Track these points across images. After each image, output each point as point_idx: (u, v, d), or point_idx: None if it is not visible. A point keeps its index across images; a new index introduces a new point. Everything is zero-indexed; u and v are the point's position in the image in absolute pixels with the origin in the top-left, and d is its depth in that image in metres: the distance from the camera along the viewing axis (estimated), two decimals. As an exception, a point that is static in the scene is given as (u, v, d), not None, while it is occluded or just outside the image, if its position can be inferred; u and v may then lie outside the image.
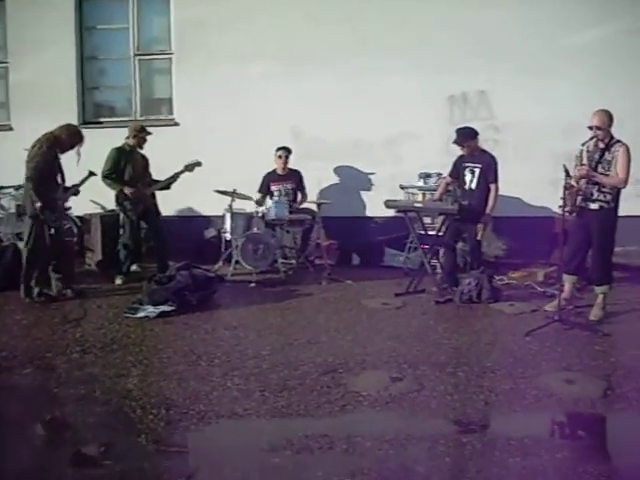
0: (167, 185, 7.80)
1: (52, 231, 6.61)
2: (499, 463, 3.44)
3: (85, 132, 7.10)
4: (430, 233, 7.57)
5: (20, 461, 3.56)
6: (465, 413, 4.10)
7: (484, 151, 7.21)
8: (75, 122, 9.22)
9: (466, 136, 7.06)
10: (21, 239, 7.78)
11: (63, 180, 6.87)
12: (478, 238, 7.03)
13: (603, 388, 4.41)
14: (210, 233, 9.11)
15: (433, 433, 3.84)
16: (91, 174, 7.09)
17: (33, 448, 3.76)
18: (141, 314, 6.19)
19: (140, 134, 7.67)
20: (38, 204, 6.48)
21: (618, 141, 5.94)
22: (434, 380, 4.60)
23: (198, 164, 7.73)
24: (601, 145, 5.94)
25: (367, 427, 3.91)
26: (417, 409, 4.16)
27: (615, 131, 6.03)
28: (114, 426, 3.97)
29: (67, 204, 7.09)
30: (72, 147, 6.74)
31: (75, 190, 6.99)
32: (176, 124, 9.32)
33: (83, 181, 7.00)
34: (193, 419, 4.00)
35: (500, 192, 7.55)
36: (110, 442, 3.73)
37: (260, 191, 8.61)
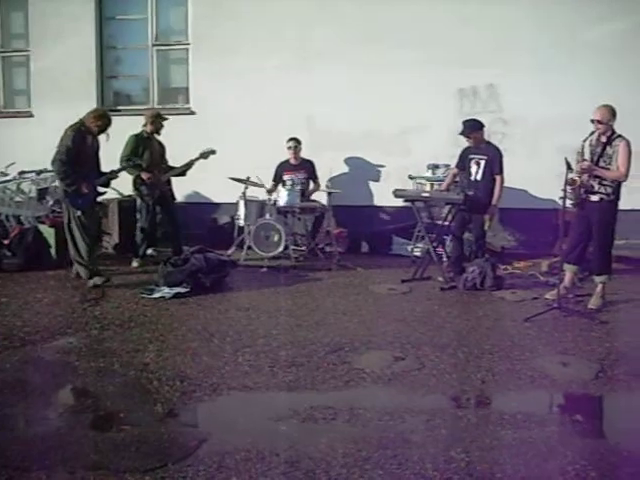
0: (182, 172, 8.06)
1: (78, 213, 6.73)
2: (491, 435, 3.68)
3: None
4: (437, 222, 7.78)
5: (46, 425, 3.84)
6: (462, 390, 4.35)
7: (489, 143, 7.41)
8: (94, 110, 9.58)
9: (472, 128, 7.27)
10: (42, 222, 8.10)
11: (98, 166, 7.02)
12: (485, 228, 7.25)
13: (596, 371, 4.63)
14: (224, 219, 9.36)
15: (431, 407, 4.08)
16: (136, 166, 7.48)
17: (58, 414, 4.04)
18: (157, 295, 6.46)
19: (157, 119, 7.93)
20: (58, 184, 6.75)
21: (619, 135, 6.13)
22: (435, 360, 4.83)
23: (213, 152, 8.00)
24: (603, 139, 6.14)
25: (369, 401, 4.15)
26: (417, 386, 4.40)
27: (621, 127, 6.22)
28: (132, 395, 4.24)
29: (103, 189, 7.25)
30: (101, 130, 6.85)
31: (113, 175, 7.20)
32: (192, 113, 9.56)
33: (123, 168, 7.38)
34: (206, 391, 4.26)
35: (507, 184, 7.74)
36: (129, 409, 4.00)
37: (274, 180, 8.84)
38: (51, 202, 8.65)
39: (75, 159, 6.64)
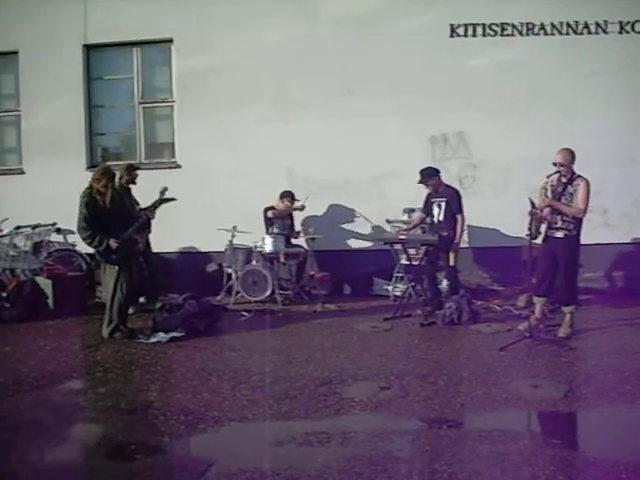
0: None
1: (116, 268, 6.89)
2: (471, 449, 4.08)
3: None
4: (414, 263, 8.22)
5: (63, 457, 4.18)
6: (444, 413, 4.74)
7: (448, 186, 7.96)
8: (83, 166, 10.10)
9: (429, 175, 7.84)
10: (36, 274, 8.45)
11: (124, 218, 7.07)
12: (451, 264, 7.72)
13: (564, 391, 5.07)
14: (212, 267, 9.75)
15: (416, 429, 4.50)
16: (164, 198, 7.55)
17: (73, 447, 4.39)
18: (154, 339, 6.82)
19: (132, 170, 8.25)
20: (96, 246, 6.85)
21: (579, 176, 6.67)
22: (417, 388, 5.24)
23: (165, 189, 7.69)
24: (564, 179, 6.66)
25: (359, 425, 4.54)
26: (402, 411, 4.80)
27: (581, 168, 6.75)
28: (141, 430, 4.58)
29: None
30: (106, 187, 6.89)
31: (150, 214, 7.49)
32: (178, 166, 9.99)
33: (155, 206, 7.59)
34: (209, 423, 4.61)
35: (479, 224, 8.28)
36: (139, 441, 4.34)
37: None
38: (45, 255, 9.02)
39: (96, 221, 6.78)
